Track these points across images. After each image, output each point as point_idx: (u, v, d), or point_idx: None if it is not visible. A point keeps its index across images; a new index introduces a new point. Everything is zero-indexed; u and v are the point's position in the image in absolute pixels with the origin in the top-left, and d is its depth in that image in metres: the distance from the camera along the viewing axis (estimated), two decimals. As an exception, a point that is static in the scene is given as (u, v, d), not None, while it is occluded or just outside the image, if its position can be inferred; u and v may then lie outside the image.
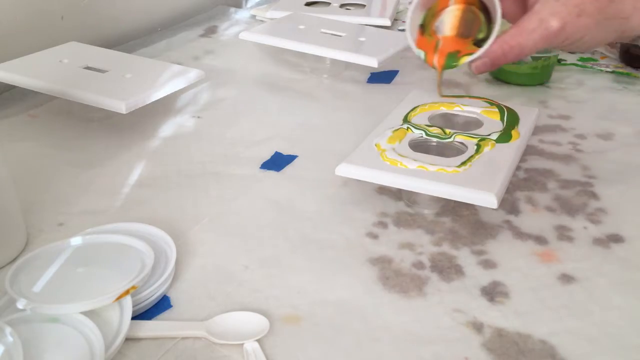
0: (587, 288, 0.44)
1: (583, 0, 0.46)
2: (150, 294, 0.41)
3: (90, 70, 0.66)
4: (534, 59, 0.73)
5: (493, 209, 0.48)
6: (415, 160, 0.48)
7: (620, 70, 0.79)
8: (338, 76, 0.78)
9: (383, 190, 0.54)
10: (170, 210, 0.51)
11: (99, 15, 0.83)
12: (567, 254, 0.47)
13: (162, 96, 0.62)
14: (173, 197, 0.53)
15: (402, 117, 0.57)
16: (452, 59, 0.50)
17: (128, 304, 0.39)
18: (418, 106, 0.59)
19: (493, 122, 0.56)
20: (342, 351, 0.38)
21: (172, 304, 0.42)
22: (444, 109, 0.59)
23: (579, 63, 0.82)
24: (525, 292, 0.43)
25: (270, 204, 0.52)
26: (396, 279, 0.44)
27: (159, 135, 0.63)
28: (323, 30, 0.79)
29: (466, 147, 0.52)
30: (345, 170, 0.48)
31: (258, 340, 0.38)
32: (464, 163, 0.49)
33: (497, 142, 0.52)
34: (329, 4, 0.98)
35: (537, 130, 0.64)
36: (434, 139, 0.53)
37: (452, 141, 0.53)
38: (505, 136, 0.53)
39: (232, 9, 1.03)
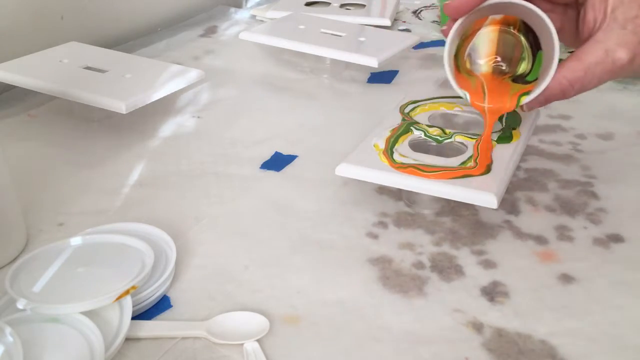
0: (587, 288, 0.44)
1: None
2: (150, 294, 0.41)
3: (90, 70, 0.66)
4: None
5: (493, 209, 0.48)
6: (415, 160, 0.48)
7: (620, 70, 0.79)
8: (338, 76, 0.78)
9: (383, 190, 0.54)
10: (170, 210, 0.51)
11: (99, 15, 0.83)
12: (567, 254, 0.47)
13: (162, 96, 0.62)
14: (173, 197, 0.53)
15: (401, 111, 0.57)
16: (506, 101, 0.46)
17: (128, 304, 0.39)
18: (418, 106, 0.59)
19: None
20: (342, 351, 0.38)
21: (172, 304, 0.42)
22: (444, 109, 0.59)
23: (579, 63, 0.82)
24: (525, 292, 0.43)
25: (270, 204, 0.52)
26: (396, 279, 0.44)
27: (159, 135, 0.63)
28: (323, 30, 0.79)
29: (466, 147, 0.52)
30: (345, 170, 0.48)
31: (258, 340, 0.38)
32: (463, 163, 0.49)
33: (497, 143, 0.52)
34: (329, 4, 0.98)
35: (537, 130, 0.64)
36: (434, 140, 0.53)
37: (452, 141, 0.53)
38: (506, 136, 0.53)
39: (232, 9, 1.03)
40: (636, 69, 0.42)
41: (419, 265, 0.46)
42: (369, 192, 0.54)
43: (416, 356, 0.38)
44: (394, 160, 0.48)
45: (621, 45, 0.41)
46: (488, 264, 0.46)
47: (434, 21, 1.00)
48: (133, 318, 0.38)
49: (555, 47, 0.43)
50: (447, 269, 0.45)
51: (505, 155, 0.50)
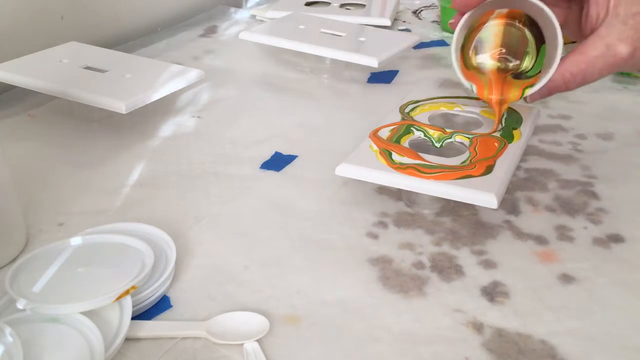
0: (587, 288, 0.44)
1: None
2: (150, 294, 0.41)
3: (90, 70, 0.66)
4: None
5: (493, 209, 0.48)
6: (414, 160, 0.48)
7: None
8: (338, 76, 0.78)
9: (383, 190, 0.54)
10: (170, 210, 0.51)
11: (99, 15, 0.83)
12: (567, 254, 0.47)
13: (162, 96, 0.62)
14: (173, 197, 0.53)
15: (401, 111, 0.57)
16: (511, 92, 0.48)
17: (128, 304, 0.39)
18: (418, 106, 0.59)
19: (492, 122, 0.56)
20: (342, 351, 0.38)
21: (172, 304, 0.42)
22: (444, 109, 0.59)
23: (579, 63, 0.82)
24: (525, 292, 0.43)
25: (270, 204, 0.52)
26: (396, 279, 0.44)
27: (159, 135, 0.63)
28: (323, 30, 0.79)
29: (466, 147, 0.52)
30: (345, 170, 0.48)
31: (258, 340, 0.38)
32: (463, 163, 0.49)
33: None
34: (329, 4, 0.98)
35: (537, 130, 0.64)
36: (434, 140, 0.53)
37: (452, 141, 0.53)
38: (507, 136, 0.53)
39: (232, 9, 1.03)
40: (636, 62, 0.43)
41: (419, 265, 0.46)
42: (369, 192, 0.54)
43: (416, 356, 0.38)
44: (392, 160, 0.48)
45: (622, 40, 0.42)
46: (488, 264, 0.46)
47: (434, 21, 1.00)
48: (133, 318, 0.38)
49: (558, 40, 0.44)
50: (447, 269, 0.45)
51: (505, 155, 0.50)
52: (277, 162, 0.59)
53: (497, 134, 0.53)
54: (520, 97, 0.48)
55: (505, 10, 0.49)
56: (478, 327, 0.40)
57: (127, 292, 0.39)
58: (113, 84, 0.63)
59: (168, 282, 0.42)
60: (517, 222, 0.51)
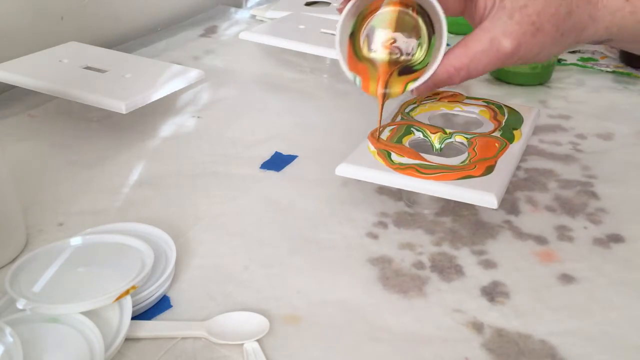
0: (587, 288, 0.44)
1: (540, 17, 0.41)
2: (150, 294, 0.41)
3: (90, 70, 0.66)
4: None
5: (493, 209, 0.48)
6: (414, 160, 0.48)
7: (620, 70, 0.79)
8: (338, 76, 0.78)
9: (383, 190, 0.54)
10: (170, 210, 0.51)
11: (99, 15, 0.83)
12: (567, 254, 0.47)
13: (162, 96, 0.62)
14: (173, 197, 0.53)
15: (401, 111, 0.57)
16: (395, 86, 0.46)
17: (128, 304, 0.39)
18: (418, 106, 0.59)
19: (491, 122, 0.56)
20: (342, 351, 0.38)
21: (172, 304, 0.42)
22: (444, 109, 0.59)
23: (579, 63, 0.82)
24: (525, 292, 0.43)
25: (270, 204, 0.52)
26: (396, 279, 0.44)
27: (159, 135, 0.63)
28: (323, 30, 0.79)
29: (466, 147, 0.52)
30: (345, 170, 0.48)
31: (258, 340, 0.38)
32: (463, 162, 0.49)
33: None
34: (329, 4, 0.98)
35: (537, 130, 0.64)
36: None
37: (452, 141, 0.53)
38: (507, 137, 0.53)
39: (232, 9, 1.03)
40: (521, 58, 0.42)
41: (419, 265, 0.46)
42: (369, 192, 0.54)
43: (416, 356, 0.38)
44: (391, 160, 0.48)
45: (506, 34, 0.41)
46: (488, 264, 0.46)
47: (434, 21, 1.00)
48: (133, 318, 0.38)
49: (443, 32, 0.43)
50: (447, 269, 0.45)
51: (505, 155, 0.50)
52: (277, 162, 0.59)
53: (497, 134, 0.53)
54: (403, 91, 0.46)
55: None
56: (478, 327, 0.40)
57: (127, 292, 0.39)
58: (113, 84, 0.63)
59: (168, 282, 0.42)
60: (517, 222, 0.51)
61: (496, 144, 0.51)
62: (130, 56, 0.72)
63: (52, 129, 0.64)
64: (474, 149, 0.50)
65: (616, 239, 0.49)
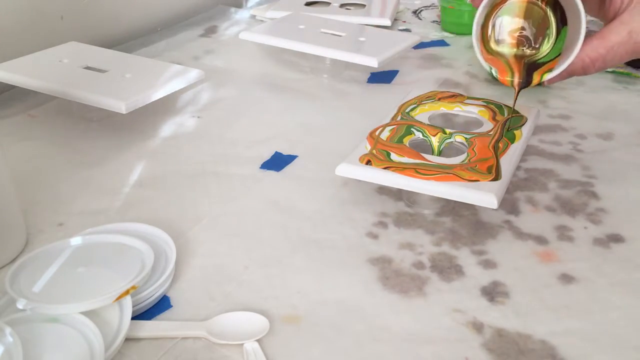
0: (587, 288, 0.44)
1: None
2: (150, 294, 0.41)
3: (90, 70, 0.66)
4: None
5: (493, 209, 0.48)
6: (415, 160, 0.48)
7: (620, 70, 0.79)
8: (338, 76, 0.78)
9: (383, 190, 0.54)
10: (170, 210, 0.51)
11: (99, 15, 0.83)
12: (567, 254, 0.47)
13: (162, 96, 0.62)
14: (173, 197, 0.53)
15: (401, 110, 0.57)
16: (530, 77, 0.47)
17: (128, 304, 0.39)
18: (418, 106, 0.59)
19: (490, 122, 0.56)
20: (342, 351, 0.38)
21: (172, 304, 0.42)
22: (444, 109, 0.59)
23: (579, 63, 0.82)
24: (525, 292, 0.43)
25: (270, 204, 0.52)
26: (396, 279, 0.44)
27: (159, 135, 0.63)
28: (323, 30, 0.79)
29: (466, 146, 0.52)
30: (345, 170, 0.48)
31: (258, 340, 0.38)
32: (462, 162, 0.49)
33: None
34: (329, 4, 0.98)
35: (537, 130, 0.64)
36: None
37: (452, 141, 0.53)
38: (509, 137, 0.53)
39: (232, 9, 1.03)
40: None
41: (419, 265, 0.46)
42: (369, 192, 0.54)
43: (416, 356, 0.38)
44: (391, 160, 0.48)
45: None
46: (488, 264, 0.46)
47: (434, 21, 1.00)
48: (133, 318, 0.38)
49: (582, 25, 0.43)
50: (447, 269, 0.45)
51: (505, 156, 0.50)
52: (277, 162, 0.59)
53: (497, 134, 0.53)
54: (540, 81, 0.48)
55: None
56: (478, 327, 0.40)
57: (127, 292, 0.39)
58: (113, 84, 0.63)
59: (168, 282, 0.42)
60: (517, 222, 0.51)
61: (500, 144, 0.51)
62: (130, 56, 0.72)
63: (52, 129, 0.64)
64: (473, 149, 0.50)
65: (616, 239, 0.49)
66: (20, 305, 0.37)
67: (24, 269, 0.41)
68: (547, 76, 0.47)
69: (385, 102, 0.66)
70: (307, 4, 0.97)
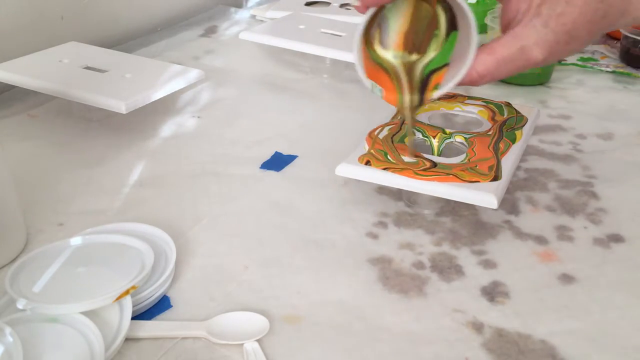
0: (587, 288, 0.44)
1: (575, 24, 0.38)
2: (150, 294, 0.41)
3: (90, 70, 0.66)
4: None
5: (493, 209, 0.48)
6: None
7: (620, 70, 0.79)
8: (338, 76, 0.78)
9: (383, 190, 0.54)
10: (170, 210, 0.51)
11: (99, 15, 0.83)
12: (567, 254, 0.47)
13: (162, 96, 0.62)
14: (173, 197, 0.53)
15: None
16: (417, 96, 0.42)
17: (128, 304, 0.39)
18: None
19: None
20: (342, 351, 0.38)
21: (172, 304, 0.42)
22: (444, 109, 0.59)
23: (579, 63, 0.82)
24: (525, 292, 0.43)
25: (270, 204, 0.52)
26: (396, 279, 0.44)
27: (159, 135, 0.63)
28: (323, 30, 0.79)
29: (466, 146, 0.52)
30: (345, 170, 0.48)
31: (258, 340, 0.38)
32: (462, 162, 0.48)
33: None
34: (329, 4, 0.98)
35: (537, 130, 0.64)
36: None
37: (452, 141, 0.53)
38: (510, 137, 0.53)
39: (232, 9, 1.03)
40: (547, 63, 0.40)
41: (419, 265, 0.46)
42: (369, 192, 0.54)
43: (416, 356, 0.38)
44: (389, 160, 0.48)
45: (539, 44, 0.39)
46: (488, 264, 0.46)
47: (434, 21, 1.00)
48: (133, 318, 0.38)
49: (472, 37, 0.39)
50: (447, 269, 0.45)
51: (507, 156, 0.50)
52: (277, 162, 0.59)
53: (489, 136, 0.53)
54: (428, 101, 0.43)
55: None
56: (478, 327, 0.40)
57: (127, 292, 0.39)
58: (113, 84, 0.63)
59: (168, 282, 0.42)
60: (517, 222, 0.51)
61: (501, 145, 0.51)
62: (130, 56, 0.72)
63: (52, 129, 0.64)
64: (472, 150, 0.50)
65: (616, 239, 0.49)
66: (20, 305, 0.37)
67: (24, 269, 0.41)
68: (435, 94, 0.42)
69: (385, 102, 0.66)
70: (307, 4, 0.97)
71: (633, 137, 0.64)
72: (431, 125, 0.55)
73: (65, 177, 0.55)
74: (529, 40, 0.39)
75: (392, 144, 0.51)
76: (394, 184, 0.47)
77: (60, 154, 0.59)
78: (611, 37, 0.90)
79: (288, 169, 0.58)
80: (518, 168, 0.57)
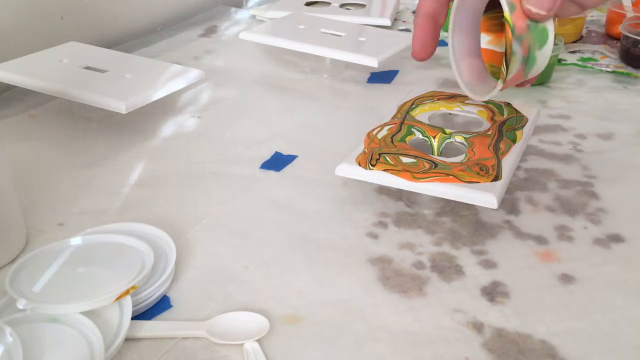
0: (587, 288, 0.44)
1: None
2: (150, 294, 0.41)
3: (90, 70, 0.66)
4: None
5: (493, 209, 0.48)
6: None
7: (620, 70, 0.79)
8: (338, 76, 0.78)
9: (383, 190, 0.54)
10: (170, 210, 0.51)
11: (99, 15, 0.83)
12: (567, 254, 0.47)
13: (162, 96, 0.62)
14: (173, 197, 0.53)
15: (400, 110, 0.57)
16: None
17: (128, 304, 0.39)
18: (417, 106, 0.59)
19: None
20: (342, 351, 0.38)
21: (172, 304, 0.42)
22: (444, 109, 0.59)
23: (579, 63, 0.82)
24: (525, 292, 0.43)
25: (270, 204, 0.52)
26: (396, 279, 0.44)
27: (159, 135, 0.63)
28: (323, 30, 0.79)
29: (466, 146, 0.52)
30: (345, 170, 0.48)
31: (258, 340, 0.38)
32: (462, 161, 0.48)
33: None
34: (329, 4, 0.98)
35: (537, 130, 0.64)
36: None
37: (452, 141, 0.53)
38: (510, 137, 0.53)
39: (232, 9, 1.03)
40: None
41: (419, 265, 0.46)
42: (369, 192, 0.54)
43: (416, 356, 0.38)
44: (387, 160, 0.48)
45: None
46: (488, 264, 0.46)
47: (434, 21, 1.00)
48: (133, 318, 0.38)
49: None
50: (447, 269, 0.45)
51: (507, 156, 0.50)
52: (277, 162, 0.59)
53: (490, 136, 0.53)
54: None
55: None
56: (478, 327, 0.40)
57: (127, 292, 0.39)
58: (113, 84, 0.63)
59: (168, 282, 0.42)
60: (517, 222, 0.51)
61: (502, 145, 0.51)
62: (130, 56, 0.72)
63: (52, 129, 0.64)
64: (472, 150, 0.50)
65: (616, 239, 0.49)
66: (20, 305, 0.37)
67: (24, 269, 0.41)
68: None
69: (385, 102, 0.66)
70: (307, 4, 0.97)
71: (633, 137, 0.64)
72: (431, 125, 0.55)
73: (65, 177, 0.55)
74: None
75: (392, 144, 0.51)
76: (394, 184, 0.47)
77: (60, 154, 0.59)
78: (611, 37, 0.90)
79: (288, 169, 0.58)
80: (518, 168, 0.57)
